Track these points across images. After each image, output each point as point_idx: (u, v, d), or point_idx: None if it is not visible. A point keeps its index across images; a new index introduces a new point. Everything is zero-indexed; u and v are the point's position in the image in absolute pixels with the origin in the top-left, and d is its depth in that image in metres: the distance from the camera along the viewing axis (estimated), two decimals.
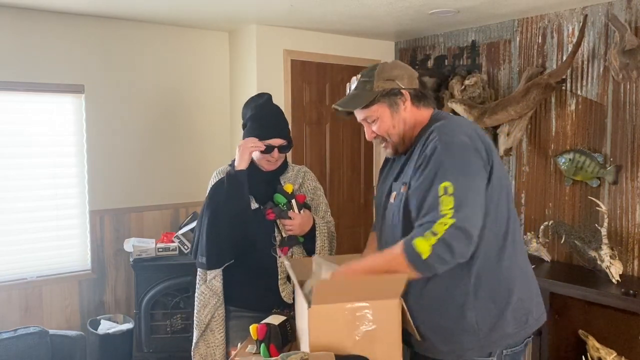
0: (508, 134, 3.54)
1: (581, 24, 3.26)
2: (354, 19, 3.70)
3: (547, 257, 3.47)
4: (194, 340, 2.19)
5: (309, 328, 1.50)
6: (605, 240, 3.02)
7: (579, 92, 3.37)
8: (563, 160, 3.37)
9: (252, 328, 1.77)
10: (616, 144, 3.21)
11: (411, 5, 3.31)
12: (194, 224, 3.35)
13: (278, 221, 2.11)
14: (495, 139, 3.62)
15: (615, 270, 2.96)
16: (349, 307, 1.51)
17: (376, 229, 1.90)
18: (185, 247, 3.55)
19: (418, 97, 1.71)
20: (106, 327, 3.49)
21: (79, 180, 3.66)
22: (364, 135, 1.86)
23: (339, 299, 1.50)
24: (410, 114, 1.71)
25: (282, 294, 2.11)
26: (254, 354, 1.75)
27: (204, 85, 4.11)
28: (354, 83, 1.78)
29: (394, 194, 1.70)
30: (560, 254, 3.50)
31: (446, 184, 1.47)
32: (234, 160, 2.24)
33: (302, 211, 2.13)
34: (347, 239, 4.41)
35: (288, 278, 2.12)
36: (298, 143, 4.13)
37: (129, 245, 3.59)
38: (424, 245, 1.44)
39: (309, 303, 1.50)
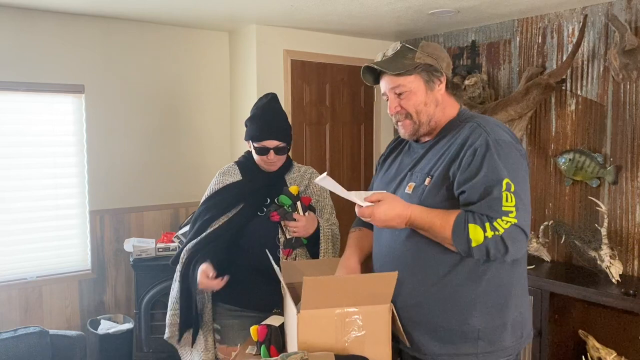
0: None
1: (581, 24, 3.26)
2: (354, 19, 3.70)
3: (547, 257, 3.47)
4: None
5: (297, 333, 1.49)
6: (605, 240, 3.02)
7: (579, 92, 3.37)
8: (563, 160, 3.37)
9: (253, 329, 1.77)
10: (616, 144, 3.21)
11: (411, 5, 3.31)
12: None
13: (282, 223, 2.10)
14: None
15: (615, 270, 2.96)
16: (338, 312, 1.49)
17: (362, 223, 1.82)
18: None
19: (452, 86, 1.69)
20: (106, 327, 3.49)
21: (79, 180, 3.66)
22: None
23: (328, 304, 1.48)
24: (444, 98, 1.65)
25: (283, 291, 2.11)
26: (254, 355, 1.75)
27: (204, 85, 4.11)
28: (393, 48, 1.65)
29: (411, 184, 1.62)
30: (560, 254, 3.50)
31: (508, 180, 1.46)
32: (242, 156, 2.27)
33: (307, 213, 2.12)
34: (347, 240, 4.41)
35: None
36: (298, 143, 4.13)
37: (129, 245, 3.59)
38: (478, 234, 1.44)
39: (298, 309, 1.49)
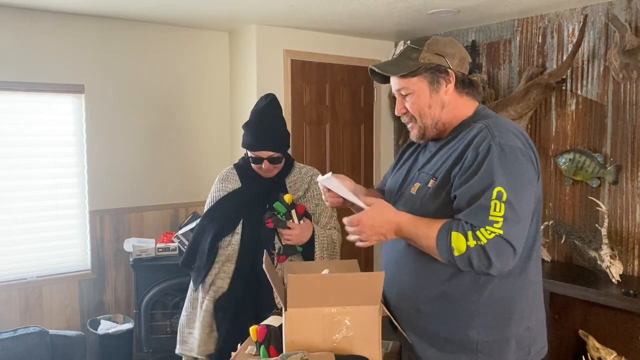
0: None
1: (581, 24, 3.26)
2: (354, 19, 3.70)
3: (547, 257, 3.47)
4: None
5: (284, 332, 1.48)
6: (605, 240, 3.02)
7: (579, 92, 3.37)
8: (563, 160, 3.37)
9: (252, 330, 1.76)
10: (616, 144, 3.21)
11: (411, 5, 3.31)
12: (194, 224, 3.35)
13: (278, 229, 2.10)
14: None
15: (615, 270, 2.96)
16: (327, 312, 1.47)
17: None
18: (185, 247, 3.55)
19: (464, 84, 1.56)
20: (106, 327, 3.49)
21: (79, 180, 3.66)
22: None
23: (315, 303, 1.46)
24: (451, 99, 1.55)
25: (276, 300, 2.09)
26: (254, 355, 1.74)
27: (204, 85, 4.11)
28: (400, 47, 1.59)
29: (416, 185, 1.57)
30: (560, 254, 3.49)
31: (501, 189, 1.37)
32: (241, 159, 2.28)
33: (301, 221, 2.11)
34: (346, 241, 4.40)
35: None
36: (298, 143, 4.13)
37: (129, 245, 3.59)
38: (460, 243, 1.37)
39: (285, 306, 1.48)
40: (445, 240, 1.40)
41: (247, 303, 2.15)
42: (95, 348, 3.40)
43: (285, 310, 1.47)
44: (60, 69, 3.51)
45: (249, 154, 2.17)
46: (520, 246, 1.40)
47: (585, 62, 3.33)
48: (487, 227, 1.36)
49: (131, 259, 3.50)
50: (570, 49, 3.36)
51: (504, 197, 1.37)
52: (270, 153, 2.13)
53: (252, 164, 2.17)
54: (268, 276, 1.64)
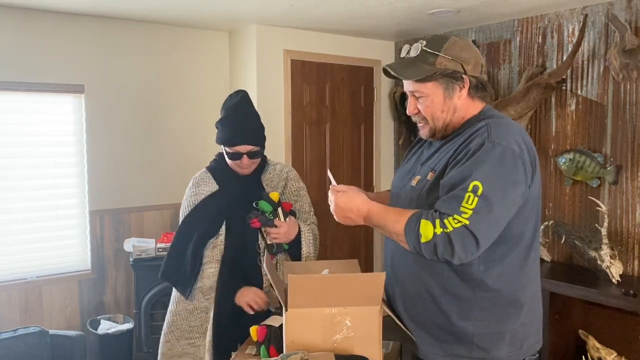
0: None
1: (581, 24, 3.26)
2: (354, 19, 3.70)
3: (547, 257, 3.47)
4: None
5: (285, 332, 1.48)
6: (605, 240, 3.02)
7: (579, 92, 3.37)
8: (563, 160, 3.37)
9: (252, 330, 1.76)
10: (616, 144, 3.21)
11: (411, 5, 3.31)
12: None
13: (263, 229, 2.06)
14: None
15: (615, 270, 2.96)
16: (327, 312, 1.47)
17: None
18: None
19: (477, 88, 1.57)
20: (106, 327, 3.49)
21: (79, 180, 3.66)
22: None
23: (316, 303, 1.46)
24: (463, 104, 1.57)
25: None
26: (254, 355, 1.74)
27: (204, 85, 4.11)
28: (415, 49, 1.57)
29: (417, 177, 1.60)
30: (560, 254, 3.50)
31: (478, 183, 1.40)
32: (213, 161, 2.22)
33: (287, 219, 2.08)
34: (347, 240, 4.41)
35: (272, 286, 2.09)
36: (298, 143, 4.13)
37: (129, 245, 3.59)
38: (427, 230, 1.41)
39: (285, 306, 1.48)
40: (414, 227, 1.44)
41: (233, 304, 2.10)
42: (95, 348, 3.40)
43: (286, 310, 1.47)
44: (60, 69, 3.51)
45: (227, 150, 2.09)
46: (486, 241, 1.43)
47: (585, 62, 3.33)
48: (455, 216, 1.39)
49: (131, 259, 3.50)
50: (570, 49, 3.36)
51: (479, 192, 1.39)
52: (249, 147, 2.06)
53: (230, 160, 2.09)
54: (269, 276, 1.64)
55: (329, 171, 1.76)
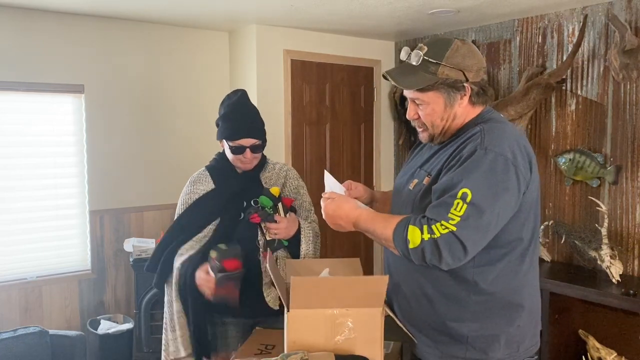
0: None
1: (581, 24, 3.26)
2: (354, 19, 3.70)
3: (547, 257, 3.47)
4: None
5: (286, 332, 1.48)
6: (605, 240, 3.02)
7: (579, 92, 3.37)
8: (563, 160, 3.37)
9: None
10: (616, 144, 3.21)
11: (411, 5, 3.31)
12: None
13: (263, 224, 2.05)
14: None
15: (615, 270, 2.96)
16: (329, 313, 1.47)
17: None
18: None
19: (478, 95, 1.56)
20: (106, 327, 3.49)
21: (79, 180, 3.66)
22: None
23: (318, 305, 1.46)
24: (463, 111, 1.56)
25: (267, 299, 2.06)
26: (255, 355, 1.74)
27: (204, 85, 4.11)
28: (417, 56, 1.54)
29: (414, 181, 1.60)
30: (560, 254, 3.50)
31: (467, 190, 1.39)
32: (213, 160, 2.22)
33: (288, 215, 2.07)
34: (347, 240, 4.41)
35: (272, 282, 2.05)
36: (298, 143, 4.13)
37: (129, 245, 3.59)
38: (415, 236, 1.41)
39: (287, 306, 1.47)
40: (402, 233, 1.45)
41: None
42: (95, 348, 3.40)
43: (288, 311, 1.47)
44: (60, 69, 3.51)
45: (230, 144, 2.08)
46: (474, 248, 1.42)
47: (585, 62, 3.33)
48: (443, 222, 1.40)
49: (131, 259, 3.50)
50: (570, 49, 3.36)
51: (468, 199, 1.39)
52: (252, 141, 2.06)
53: (233, 155, 2.08)
54: (271, 274, 1.64)
55: (326, 173, 1.75)
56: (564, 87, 3.42)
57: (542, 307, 3.03)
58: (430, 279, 1.54)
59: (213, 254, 1.95)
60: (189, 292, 2.02)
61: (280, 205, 2.06)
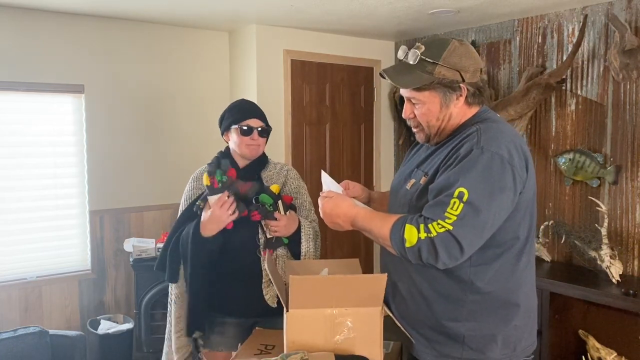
0: None
1: (581, 24, 3.26)
2: (354, 19, 3.70)
3: (547, 257, 3.47)
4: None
5: (286, 332, 1.48)
6: (605, 240, 3.02)
7: (579, 92, 3.37)
8: (563, 160, 3.37)
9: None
10: (616, 144, 3.21)
11: (411, 5, 3.31)
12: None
13: (263, 222, 2.05)
14: None
15: (615, 270, 2.96)
16: (329, 313, 1.47)
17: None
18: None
19: (474, 95, 1.56)
20: (106, 327, 3.49)
21: (79, 180, 3.66)
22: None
23: (317, 304, 1.46)
24: (459, 111, 1.57)
25: (266, 297, 2.06)
26: (255, 355, 1.74)
27: (204, 85, 4.11)
28: (414, 55, 1.55)
29: (411, 181, 1.61)
30: (560, 254, 3.50)
31: (463, 189, 1.40)
32: (214, 158, 2.20)
33: (287, 212, 2.08)
34: (347, 240, 4.41)
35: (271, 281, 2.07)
36: (298, 143, 4.13)
37: (129, 245, 3.59)
38: (412, 235, 1.42)
39: (286, 306, 1.47)
40: (399, 232, 1.45)
41: (225, 300, 2.11)
42: (95, 348, 3.40)
43: (287, 311, 1.47)
44: (60, 69, 3.51)
45: (238, 126, 2.11)
46: (471, 247, 1.42)
47: (585, 62, 3.33)
48: (439, 221, 1.40)
49: (131, 259, 3.50)
50: (570, 49, 3.36)
51: (465, 198, 1.40)
52: (260, 123, 2.14)
53: (242, 136, 2.11)
54: (269, 273, 1.64)
55: (323, 173, 1.76)
56: (564, 87, 3.42)
57: (542, 307, 3.06)
58: (426, 278, 1.54)
59: (217, 176, 1.98)
60: (190, 253, 2.03)
61: (280, 202, 2.07)
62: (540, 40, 3.57)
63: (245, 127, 2.12)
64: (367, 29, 4.06)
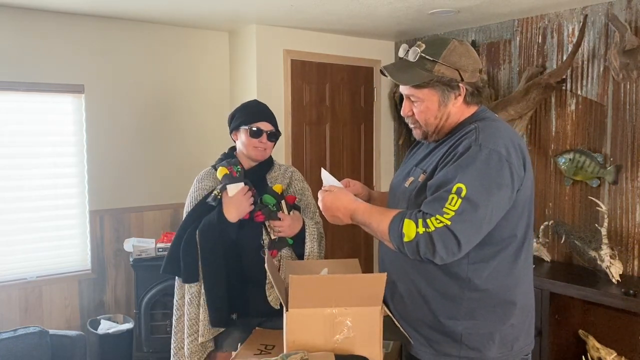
0: None
1: (581, 24, 3.26)
2: (354, 19, 3.70)
3: (547, 257, 3.47)
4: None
5: (285, 332, 1.48)
6: (605, 240, 3.02)
7: (579, 92, 3.37)
8: (563, 160, 3.37)
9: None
10: (616, 144, 3.21)
11: (411, 5, 3.31)
12: None
13: (267, 223, 2.05)
14: None
15: (615, 270, 2.96)
16: (328, 312, 1.47)
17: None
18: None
19: (472, 95, 1.57)
20: (106, 327, 3.49)
21: (78, 180, 3.66)
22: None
23: (317, 304, 1.46)
24: (457, 110, 1.58)
25: (269, 299, 2.05)
26: (255, 355, 1.74)
27: (204, 85, 4.11)
28: (414, 52, 1.56)
29: (410, 179, 1.62)
30: (560, 254, 3.50)
31: (462, 185, 1.41)
32: (219, 159, 2.19)
33: (291, 212, 2.07)
34: (347, 240, 4.41)
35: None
36: (298, 143, 4.13)
37: (129, 245, 3.59)
38: (410, 230, 1.43)
39: (286, 306, 1.47)
40: (397, 226, 1.46)
41: (232, 301, 2.09)
42: (95, 348, 3.40)
43: (287, 310, 1.47)
44: (60, 69, 3.51)
45: (248, 127, 2.10)
46: (468, 242, 1.43)
47: (585, 62, 3.33)
48: (438, 216, 1.41)
49: (131, 259, 3.50)
50: (570, 49, 3.36)
51: (463, 194, 1.41)
52: (270, 127, 2.12)
53: (251, 138, 2.10)
54: (270, 275, 1.64)
55: (323, 170, 1.77)
56: (564, 87, 3.42)
57: (542, 307, 3.06)
58: (424, 276, 1.55)
59: (235, 167, 2.04)
60: (210, 244, 2.02)
61: (283, 202, 2.06)
62: (540, 40, 3.57)
63: (255, 129, 2.10)
64: (367, 29, 4.06)
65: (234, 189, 2.02)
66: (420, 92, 1.56)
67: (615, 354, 3.01)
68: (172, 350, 2.20)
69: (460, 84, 1.55)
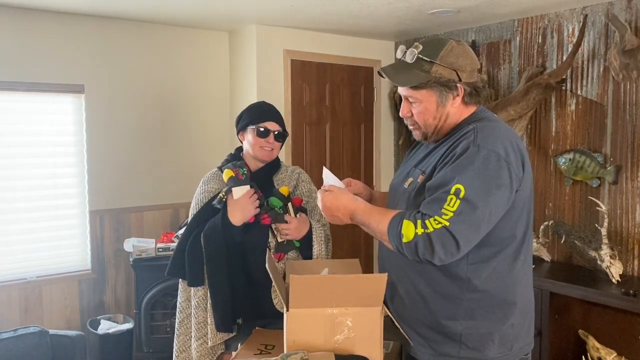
0: None
1: (581, 24, 3.26)
2: (354, 19, 3.70)
3: (547, 257, 3.47)
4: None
5: (286, 332, 1.48)
6: (605, 240, 3.02)
7: (579, 92, 3.37)
8: (563, 160, 3.37)
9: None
10: (616, 144, 3.21)
11: (411, 5, 3.31)
12: None
13: (273, 226, 2.03)
14: None
15: (615, 270, 2.96)
16: (329, 312, 1.47)
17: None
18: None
19: (470, 95, 1.57)
20: (106, 327, 3.49)
21: (78, 180, 3.66)
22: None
23: (317, 304, 1.46)
24: (456, 111, 1.58)
25: (274, 301, 2.04)
26: (255, 355, 1.74)
27: (204, 85, 4.11)
28: (411, 54, 1.56)
29: (409, 179, 1.62)
30: (560, 254, 3.50)
31: (460, 186, 1.41)
32: (224, 161, 2.18)
33: (298, 215, 2.05)
34: (347, 240, 4.41)
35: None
36: (298, 143, 4.13)
37: (129, 245, 3.59)
38: (409, 231, 1.43)
39: (286, 306, 1.47)
40: (396, 227, 1.46)
41: (238, 303, 2.08)
42: (95, 348, 3.40)
43: (287, 310, 1.47)
44: (60, 69, 3.51)
45: (255, 127, 2.08)
46: (467, 243, 1.43)
47: (585, 62, 3.33)
48: (436, 217, 1.41)
49: (131, 259, 3.50)
50: (570, 49, 3.36)
51: (462, 195, 1.41)
52: (277, 127, 2.10)
53: (258, 138, 2.08)
54: (270, 274, 1.63)
55: (325, 169, 1.76)
56: (564, 87, 3.42)
57: (542, 307, 3.06)
58: (424, 277, 1.55)
59: (240, 169, 2.04)
60: (215, 247, 2.01)
61: (290, 205, 2.05)
62: (540, 40, 3.57)
63: (262, 129, 2.08)
64: (367, 29, 4.06)
65: (240, 191, 2.00)
66: (418, 93, 1.56)
67: (615, 354, 3.01)
68: (174, 352, 2.19)
69: (458, 85, 1.55)
